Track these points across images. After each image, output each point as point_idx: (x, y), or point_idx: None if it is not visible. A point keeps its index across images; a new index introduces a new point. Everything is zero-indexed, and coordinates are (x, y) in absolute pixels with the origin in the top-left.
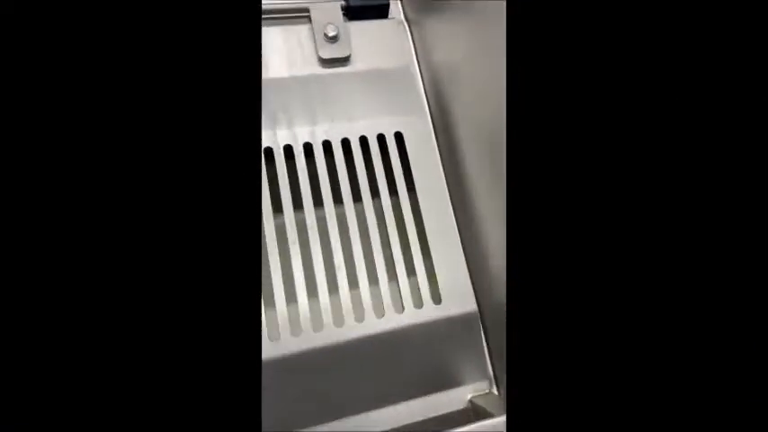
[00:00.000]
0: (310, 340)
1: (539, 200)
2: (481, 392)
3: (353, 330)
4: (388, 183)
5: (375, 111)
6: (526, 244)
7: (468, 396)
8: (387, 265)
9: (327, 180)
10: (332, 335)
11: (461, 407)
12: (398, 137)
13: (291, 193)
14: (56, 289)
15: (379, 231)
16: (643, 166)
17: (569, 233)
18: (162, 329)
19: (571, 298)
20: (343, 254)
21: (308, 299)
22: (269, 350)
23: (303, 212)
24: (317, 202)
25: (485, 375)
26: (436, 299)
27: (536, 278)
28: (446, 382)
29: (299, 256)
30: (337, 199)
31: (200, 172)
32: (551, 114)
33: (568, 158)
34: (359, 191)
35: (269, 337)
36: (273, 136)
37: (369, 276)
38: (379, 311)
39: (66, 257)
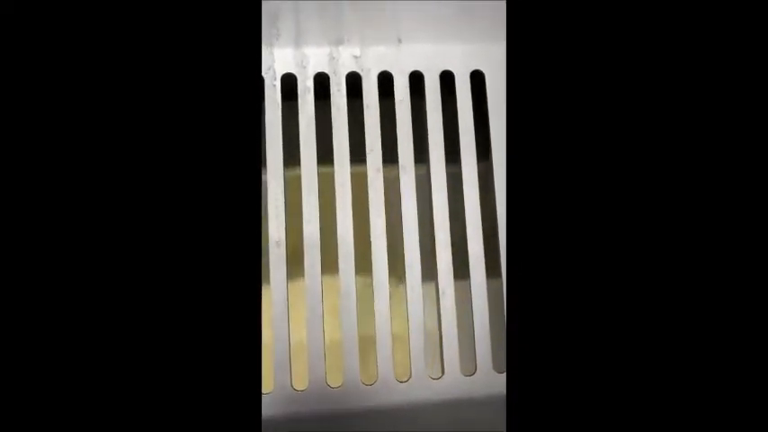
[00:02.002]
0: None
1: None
2: None
3: (371, 397)
4: (447, 155)
5: (441, 31)
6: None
7: None
8: (425, 304)
9: (347, 143)
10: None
11: None
12: (476, 78)
13: (284, 154)
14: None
15: (421, 234)
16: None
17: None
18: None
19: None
20: (358, 277)
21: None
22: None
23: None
24: (326, 176)
25: None
26: (498, 362)
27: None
28: None
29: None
30: (359, 174)
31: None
32: (553, 118)
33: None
34: (396, 163)
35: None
36: (269, 56)
37: (394, 322)
38: (404, 372)
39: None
